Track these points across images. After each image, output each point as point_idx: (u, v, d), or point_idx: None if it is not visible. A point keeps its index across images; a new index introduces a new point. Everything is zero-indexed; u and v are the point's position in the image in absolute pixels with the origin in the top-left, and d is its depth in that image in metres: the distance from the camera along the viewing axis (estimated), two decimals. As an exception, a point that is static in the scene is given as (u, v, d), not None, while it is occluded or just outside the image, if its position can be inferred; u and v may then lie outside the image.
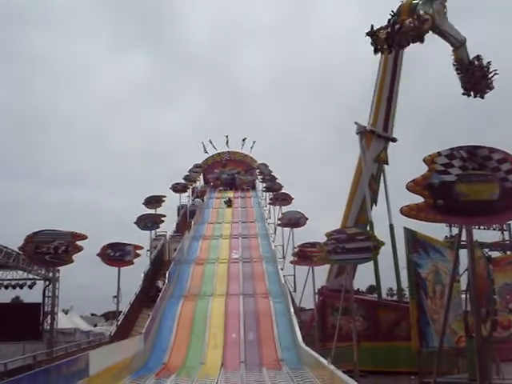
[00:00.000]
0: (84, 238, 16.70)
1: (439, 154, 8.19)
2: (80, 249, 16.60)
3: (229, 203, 40.89)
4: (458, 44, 28.56)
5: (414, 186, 8.05)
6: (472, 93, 29.55)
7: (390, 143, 30.77)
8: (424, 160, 8.17)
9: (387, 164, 30.82)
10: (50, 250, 16.21)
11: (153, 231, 31.17)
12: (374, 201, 30.37)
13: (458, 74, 29.58)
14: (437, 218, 8.30)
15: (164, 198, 34.55)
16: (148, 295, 26.08)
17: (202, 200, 42.59)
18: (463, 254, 11.56)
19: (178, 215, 41.78)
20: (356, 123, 30.60)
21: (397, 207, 9.96)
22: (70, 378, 10.48)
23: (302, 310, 28.36)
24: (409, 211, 8.13)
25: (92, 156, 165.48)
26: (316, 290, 23.57)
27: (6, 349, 25.00)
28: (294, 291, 28.80)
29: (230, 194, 44.90)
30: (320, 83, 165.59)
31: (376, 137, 30.12)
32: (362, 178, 29.78)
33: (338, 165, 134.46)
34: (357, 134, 30.49)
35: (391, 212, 29.44)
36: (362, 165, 29.75)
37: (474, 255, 9.31)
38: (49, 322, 27.34)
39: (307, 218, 30.71)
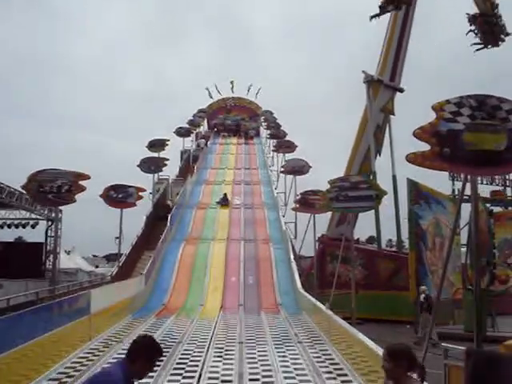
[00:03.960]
0: (87, 177, 16.70)
1: (448, 101, 8.03)
2: (83, 189, 16.64)
3: (224, 203, 28.25)
4: None
5: (421, 133, 7.91)
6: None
7: (398, 93, 30.36)
8: (432, 107, 8.00)
9: (393, 115, 30.47)
10: (53, 189, 16.27)
11: (155, 174, 31.26)
12: (379, 151, 30.17)
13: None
14: (442, 167, 8.19)
15: (167, 142, 34.46)
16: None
17: (206, 143, 42.41)
18: (465, 208, 11.54)
19: (181, 160, 41.65)
20: (363, 72, 30.07)
21: (401, 159, 9.85)
22: (71, 314, 10.62)
23: (301, 258, 28.58)
24: (415, 159, 8.02)
25: (98, 99, 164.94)
26: (316, 238, 23.72)
27: (10, 286, 25.40)
28: (295, 238, 29.02)
29: (234, 140, 44.58)
30: (331, 31, 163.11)
31: (383, 86, 29.66)
32: (367, 127, 29.48)
33: (344, 115, 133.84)
34: (364, 83, 30.02)
35: (395, 163, 29.39)
36: (368, 114, 29.40)
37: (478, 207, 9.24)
38: (51, 261, 27.61)
39: (310, 166, 30.65)
